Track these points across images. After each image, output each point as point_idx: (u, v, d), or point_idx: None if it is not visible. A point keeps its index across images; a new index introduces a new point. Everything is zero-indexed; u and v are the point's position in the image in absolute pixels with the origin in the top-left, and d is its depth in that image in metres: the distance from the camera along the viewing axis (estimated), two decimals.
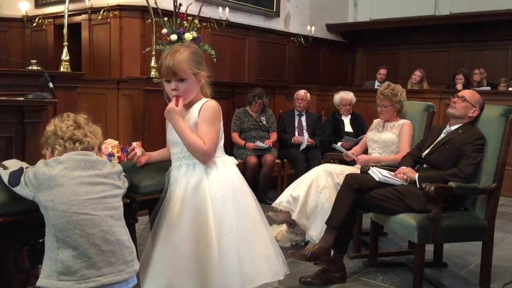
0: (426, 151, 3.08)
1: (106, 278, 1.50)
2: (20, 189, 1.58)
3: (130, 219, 1.90)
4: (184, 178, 1.93)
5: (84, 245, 1.48)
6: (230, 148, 4.96)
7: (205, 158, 1.92)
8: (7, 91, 2.85)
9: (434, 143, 3.07)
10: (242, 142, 5.00)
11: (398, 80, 5.53)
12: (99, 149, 1.69)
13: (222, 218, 1.87)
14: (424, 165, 3.10)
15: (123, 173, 1.75)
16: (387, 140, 3.58)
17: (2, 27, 6.79)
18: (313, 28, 7.69)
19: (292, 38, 7.76)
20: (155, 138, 4.48)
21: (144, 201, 1.93)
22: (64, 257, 1.47)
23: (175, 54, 1.91)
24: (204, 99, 1.99)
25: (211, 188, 1.90)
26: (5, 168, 1.66)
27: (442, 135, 3.07)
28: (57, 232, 1.50)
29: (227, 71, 6.74)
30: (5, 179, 1.62)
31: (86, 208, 1.52)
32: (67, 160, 1.57)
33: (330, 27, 8.53)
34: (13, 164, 1.69)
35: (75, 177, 1.54)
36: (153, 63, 4.70)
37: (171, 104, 1.90)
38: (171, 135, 1.99)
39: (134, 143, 2.06)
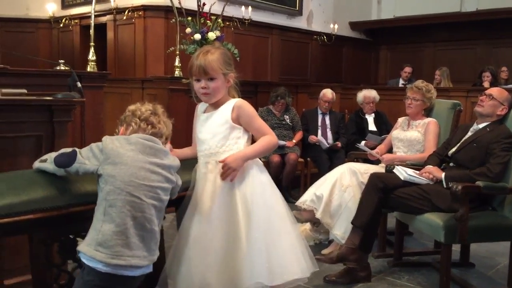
0: (453, 150, 3.03)
1: (134, 260, 1.58)
2: (77, 166, 1.63)
3: None
4: (212, 174, 1.96)
5: (126, 224, 1.57)
6: None
7: (277, 143, 2.09)
8: (36, 90, 2.92)
9: (461, 141, 3.02)
10: None
11: (422, 78, 5.45)
12: (166, 139, 1.82)
13: (250, 214, 1.90)
14: (451, 164, 3.06)
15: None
16: (412, 139, 3.54)
17: (30, 28, 6.94)
18: (336, 26, 7.65)
19: (315, 37, 7.73)
20: (179, 137, 4.47)
21: (171, 199, 1.95)
22: (106, 230, 1.56)
23: (206, 54, 1.96)
24: (234, 99, 2.04)
25: (240, 185, 1.93)
26: (43, 161, 1.72)
27: (469, 134, 3.03)
28: (107, 206, 1.59)
29: (250, 70, 6.75)
30: (51, 167, 1.67)
31: (139, 193, 1.61)
32: (135, 143, 1.66)
33: (353, 25, 8.47)
34: (50, 155, 1.73)
35: (138, 160, 1.64)
36: (177, 63, 4.75)
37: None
38: (200, 132, 2.04)
39: None
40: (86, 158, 1.64)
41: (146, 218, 1.62)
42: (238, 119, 2.00)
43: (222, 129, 1.99)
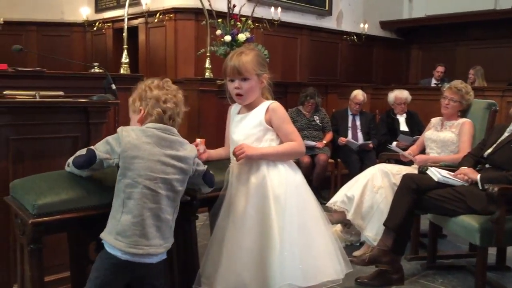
0: (489, 151, 2.96)
1: (152, 248, 1.65)
2: (99, 162, 1.66)
3: (191, 216, 1.95)
4: (245, 175, 1.97)
5: (143, 215, 1.63)
6: None
7: (303, 153, 2.07)
8: (72, 93, 2.99)
9: (497, 142, 2.95)
10: None
11: (455, 78, 5.34)
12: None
13: (283, 214, 1.89)
14: (486, 165, 2.98)
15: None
16: (446, 140, 3.48)
17: (65, 32, 7.13)
18: (366, 25, 7.57)
19: (345, 36, 7.67)
20: (209, 138, 4.50)
21: (204, 199, 1.97)
22: (124, 221, 1.63)
23: (240, 55, 1.98)
24: (268, 101, 2.04)
25: (273, 185, 1.93)
26: (68, 165, 1.76)
27: (506, 134, 2.95)
28: (125, 198, 1.64)
29: (279, 71, 6.75)
30: (75, 169, 1.72)
31: (155, 186, 1.66)
32: (152, 135, 1.68)
33: (384, 24, 8.36)
34: (69, 161, 1.77)
35: (154, 153, 1.67)
36: (207, 64, 4.80)
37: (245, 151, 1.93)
38: (234, 134, 2.06)
39: (198, 140, 2.09)
40: (105, 152, 1.67)
41: (162, 209, 1.68)
42: (271, 121, 2.00)
43: (256, 131, 1.99)
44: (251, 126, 2.01)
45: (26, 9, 6.75)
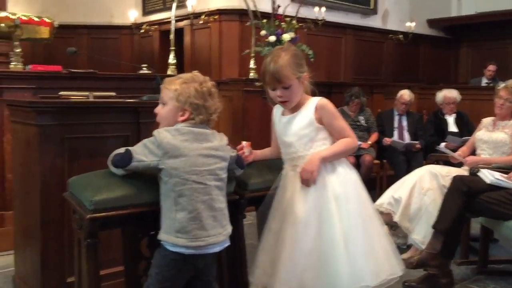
0: None
1: (212, 238, 1.71)
2: (136, 163, 1.70)
3: (238, 215, 1.97)
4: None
5: (198, 209, 1.69)
6: None
7: (356, 148, 2.06)
8: (122, 93, 3.09)
9: None
10: None
11: (508, 77, 5.15)
12: None
13: (346, 215, 1.86)
14: None
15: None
16: (498, 140, 3.36)
17: (114, 34, 7.34)
18: (413, 24, 7.41)
19: (391, 36, 7.53)
20: (254, 138, 4.54)
21: (252, 198, 1.99)
22: (181, 218, 1.68)
23: (277, 60, 1.90)
24: (314, 98, 1.99)
25: (332, 185, 1.89)
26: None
27: None
28: (176, 197, 1.68)
29: (323, 71, 6.71)
30: (112, 168, 1.77)
31: (202, 178, 1.71)
32: (187, 132, 1.72)
33: (432, 23, 8.15)
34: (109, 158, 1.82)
35: (194, 148, 1.71)
36: (252, 65, 4.83)
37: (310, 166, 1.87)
38: (285, 136, 2.00)
39: (243, 143, 2.10)
40: (143, 154, 1.70)
41: (214, 199, 1.73)
42: (320, 118, 1.95)
43: (307, 131, 1.95)
44: (302, 126, 1.95)
45: (78, 13, 7.00)
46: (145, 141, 1.73)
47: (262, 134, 4.74)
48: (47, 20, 3.79)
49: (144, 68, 3.83)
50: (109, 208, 1.63)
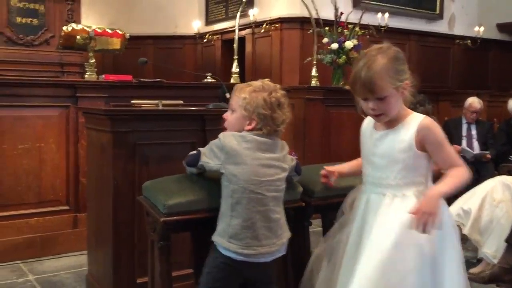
0: None
1: (263, 248, 1.71)
2: (201, 164, 1.77)
3: (304, 222, 1.97)
4: (389, 209, 1.62)
5: (253, 219, 1.69)
6: None
7: (468, 180, 1.65)
8: (188, 101, 3.18)
9: None
10: None
11: None
12: None
13: (443, 258, 1.59)
14: None
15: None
16: None
17: (178, 44, 7.57)
18: (481, 28, 7.10)
19: (457, 41, 7.26)
20: (315, 146, 4.57)
21: (318, 205, 1.98)
22: (235, 225, 1.69)
23: (371, 65, 1.58)
24: (416, 115, 1.65)
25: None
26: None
27: None
28: (233, 203, 1.70)
29: None
30: (188, 168, 1.85)
31: (261, 189, 1.71)
32: (251, 141, 1.73)
33: (502, 27, 7.77)
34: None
35: (256, 158, 1.72)
36: (313, 72, 4.81)
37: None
38: (374, 155, 1.69)
39: (328, 168, 1.90)
40: (209, 157, 1.75)
41: (270, 210, 1.72)
42: (422, 143, 1.60)
43: (404, 157, 1.61)
44: (397, 150, 1.62)
45: (145, 24, 7.28)
46: (212, 144, 1.78)
47: (323, 142, 4.72)
48: (119, 32, 3.98)
49: (209, 77, 3.92)
50: (181, 212, 1.68)
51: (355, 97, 1.67)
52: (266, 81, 1.82)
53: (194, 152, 1.83)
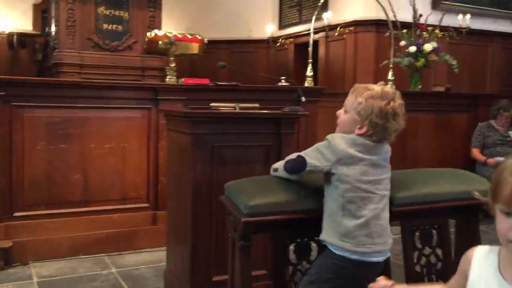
0: None
1: (377, 246, 1.73)
2: (311, 169, 1.76)
3: None
4: None
5: (366, 217, 1.71)
6: (472, 165, 4.63)
7: None
8: (263, 105, 3.23)
9: None
10: (482, 158, 4.61)
11: None
12: None
13: None
14: None
15: None
16: None
17: (251, 48, 7.71)
18: None
19: None
20: (391, 150, 4.46)
21: (397, 212, 1.93)
22: (348, 224, 1.71)
23: None
24: None
25: None
26: (275, 170, 1.90)
27: None
28: (345, 202, 1.72)
29: (465, 82, 6.28)
30: (283, 174, 1.84)
31: (372, 188, 1.74)
32: (361, 144, 1.74)
33: None
34: (280, 164, 1.89)
35: (365, 159, 1.73)
36: (390, 76, 4.70)
37: None
38: None
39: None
40: (316, 159, 1.74)
41: (381, 209, 1.75)
42: None
43: None
44: None
45: (220, 29, 7.48)
46: (318, 145, 1.77)
47: (400, 146, 4.58)
48: (198, 37, 4.12)
49: (283, 80, 3.96)
50: (262, 213, 1.72)
51: (491, 209, 1.15)
52: (387, 87, 1.80)
53: (292, 157, 1.81)
